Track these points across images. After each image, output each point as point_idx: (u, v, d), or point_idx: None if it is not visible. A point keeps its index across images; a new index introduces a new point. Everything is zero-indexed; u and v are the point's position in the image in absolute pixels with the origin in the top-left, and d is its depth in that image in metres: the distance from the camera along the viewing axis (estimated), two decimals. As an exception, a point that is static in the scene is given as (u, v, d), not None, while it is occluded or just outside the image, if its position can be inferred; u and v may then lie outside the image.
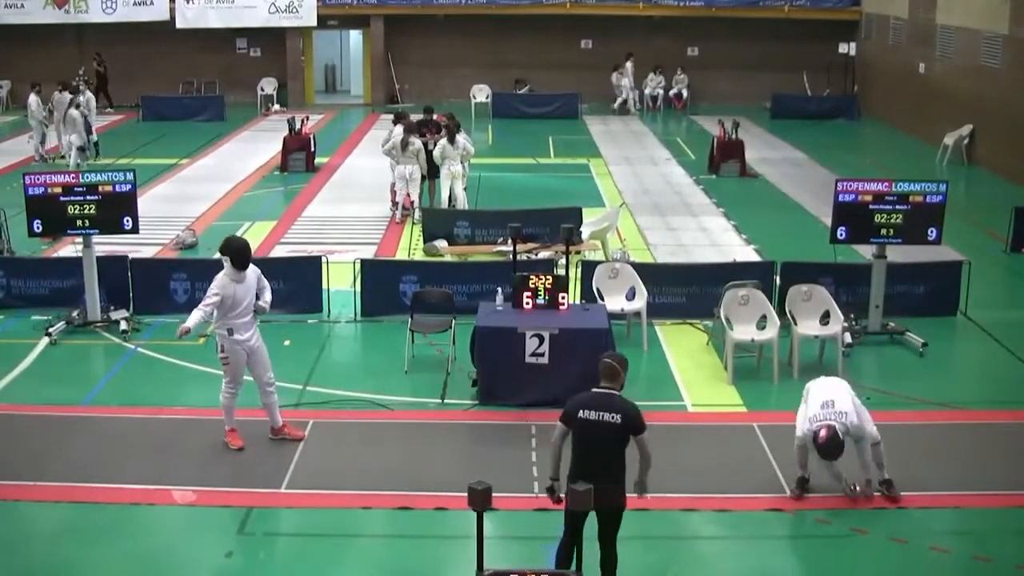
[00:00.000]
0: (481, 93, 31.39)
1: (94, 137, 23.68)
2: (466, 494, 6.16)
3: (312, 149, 22.77)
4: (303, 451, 9.86)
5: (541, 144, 26.18)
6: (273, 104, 31.82)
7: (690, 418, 10.86)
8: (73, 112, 22.08)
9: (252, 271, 9.66)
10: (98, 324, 12.84)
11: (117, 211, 12.62)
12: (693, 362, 12.16)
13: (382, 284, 13.51)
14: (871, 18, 30.77)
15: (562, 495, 7.23)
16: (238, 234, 16.02)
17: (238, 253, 9.51)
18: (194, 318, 9.51)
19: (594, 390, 7.30)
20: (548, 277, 11.19)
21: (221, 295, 9.42)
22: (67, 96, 22.85)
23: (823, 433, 8.61)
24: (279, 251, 16.25)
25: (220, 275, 9.53)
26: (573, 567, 6.82)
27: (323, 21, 31.87)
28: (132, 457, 9.69)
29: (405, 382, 11.49)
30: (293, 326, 12.91)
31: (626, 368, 7.43)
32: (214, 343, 9.92)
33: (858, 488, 9.03)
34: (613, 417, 7.14)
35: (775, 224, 18.48)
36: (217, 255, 9.82)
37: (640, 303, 12.58)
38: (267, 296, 9.82)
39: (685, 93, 32.02)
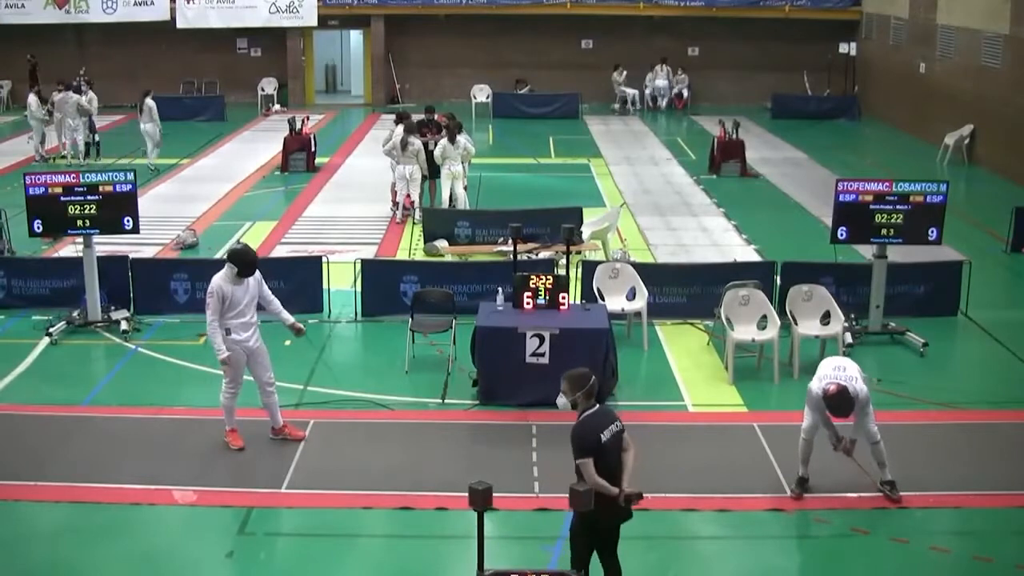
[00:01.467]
0: (481, 93, 31.41)
1: (96, 136, 23.72)
2: (466, 494, 6.16)
3: (312, 149, 22.78)
4: (303, 451, 9.86)
5: (541, 144, 26.19)
6: (273, 104, 31.83)
7: (690, 418, 10.86)
8: (149, 101, 22.57)
9: (252, 275, 9.65)
10: (98, 324, 12.84)
11: (117, 211, 12.62)
12: (693, 362, 12.16)
13: (382, 284, 13.52)
14: (871, 18, 30.78)
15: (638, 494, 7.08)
16: (237, 235, 16.08)
17: (246, 266, 9.52)
18: (216, 339, 9.51)
19: (589, 412, 7.11)
20: (548, 277, 11.19)
21: (217, 295, 9.45)
22: (72, 96, 22.85)
23: (833, 388, 8.61)
24: (280, 251, 16.23)
25: (216, 276, 9.54)
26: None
27: (323, 21, 31.88)
28: (132, 457, 9.69)
29: (405, 382, 11.49)
30: (293, 326, 12.90)
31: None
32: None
33: (847, 442, 8.97)
34: (618, 425, 7.15)
35: (775, 224, 18.48)
36: (219, 255, 9.81)
37: (641, 303, 12.58)
38: (276, 306, 9.85)
39: (685, 93, 32.05)
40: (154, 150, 22.72)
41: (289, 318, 9.90)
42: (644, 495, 7.05)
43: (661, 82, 31.93)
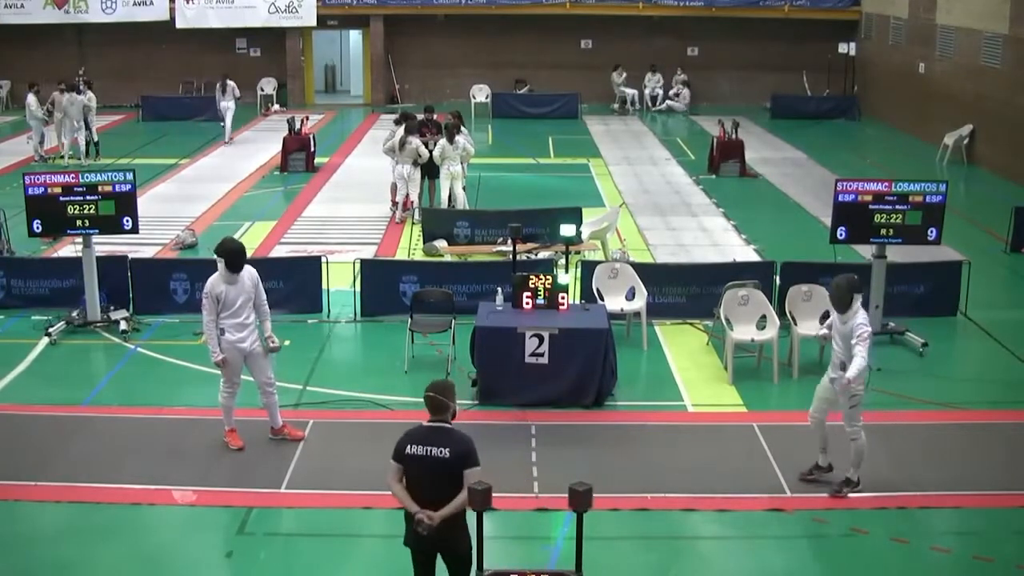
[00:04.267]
0: (481, 93, 31.41)
1: (94, 137, 23.72)
2: (466, 494, 6.17)
3: (312, 149, 22.78)
4: (303, 451, 9.86)
5: (541, 144, 26.19)
6: (273, 104, 31.82)
7: (690, 418, 10.85)
8: (230, 82, 25.89)
9: (248, 276, 9.64)
10: (98, 324, 12.84)
11: (117, 211, 12.62)
12: (693, 362, 12.16)
13: (382, 284, 13.51)
14: (871, 18, 30.78)
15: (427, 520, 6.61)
16: (237, 235, 16.06)
17: (232, 256, 9.51)
18: (211, 340, 9.54)
19: (423, 424, 6.79)
20: (548, 277, 11.19)
21: (211, 295, 9.46)
22: (77, 96, 22.81)
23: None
24: (279, 251, 16.25)
25: (211, 277, 9.55)
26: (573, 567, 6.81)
27: (323, 21, 31.87)
28: (132, 457, 9.69)
29: (405, 382, 11.49)
30: (293, 326, 12.90)
31: (452, 395, 6.88)
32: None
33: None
34: (441, 451, 6.62)
35: (775, 224, 18.49)
36: (214, 256, 9.79)
37: (640, 303, 12.58)
38: (264, 313, 9.81)
39: (684, 92, 32.02)
40: (231, 126, 25.73)
41: (268, 331, 9.81)
42: (432, 526, 6.51)
43: (673, 100, 32.00)
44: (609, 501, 8.62)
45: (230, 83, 25.94)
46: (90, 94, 23.92)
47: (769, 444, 10.02)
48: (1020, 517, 8.90)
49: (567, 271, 12.61)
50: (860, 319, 8.74)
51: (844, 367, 8.77)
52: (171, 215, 18.37)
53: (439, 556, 6.79)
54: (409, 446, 6.70)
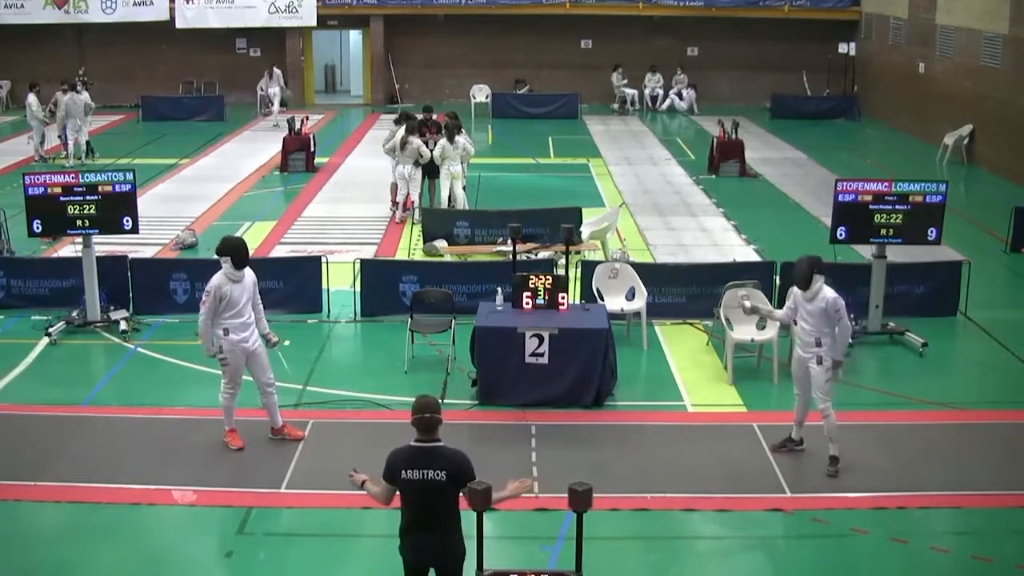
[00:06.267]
0: (481, 93, 31.40)
1: (87, 138, 23.68)
2: (466, 494, 6.17)
3: (312, 149, 22.78)
4: (303, 451, 9.86)
5: (541, 144, 26.19)
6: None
7: (690, 418, 10.86)
8: (276, 70, 29.05)
9: (250, 275, 9.65)
10: (98, 324, 12.83)
11: (117, 211, 12.62)
12: (693, 362, 12.16)
13: (382, 284, 13.51)
14: (871, 18, 30.78)
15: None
16: (236, 234, 16.07)
17: (237, 251, 9.52)
18: (206, 336, 9.54)
19: (413, 443, 6.58)
20: (548, 277, 11.19)
21: (214, 294, 9.42)
22: (80, 96, 22.79)
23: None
24: (279, 251, 16.25)
25: (216, 276, 9.53)
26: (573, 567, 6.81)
27: (323, 21, 31.87)
28: (132, 457, 9.69)
29: (405, 382, 11.49)
30: (293, 326, 12.90)
31: (439, 412, 6.62)
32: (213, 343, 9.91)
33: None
34: (439, 475, 6.45)
35: (775, 224, 18.49)
36: (215, 256, 9.78)
37: (640, 303, 12.58)
38: (259, 312, 9.84)
39: (684, 93, 32.04)
40: (279, 109, 28.14)
41: (265, 328, 9.87)
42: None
43: (678, 98, 32.00)
44: (609, 501, 8.62)
45: (276, 71, 29.11)
46: (86, 94, 23.90)
47: (769, 444, 10.01)
48: (1020, 517, 8.90)
49: (567, 271, 12.59)
50: (830, 294, 9.26)
51: (818, 343, 9.25)
52: (171, 215, 18.37)
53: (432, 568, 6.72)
54: (404, 471, 6.53)
